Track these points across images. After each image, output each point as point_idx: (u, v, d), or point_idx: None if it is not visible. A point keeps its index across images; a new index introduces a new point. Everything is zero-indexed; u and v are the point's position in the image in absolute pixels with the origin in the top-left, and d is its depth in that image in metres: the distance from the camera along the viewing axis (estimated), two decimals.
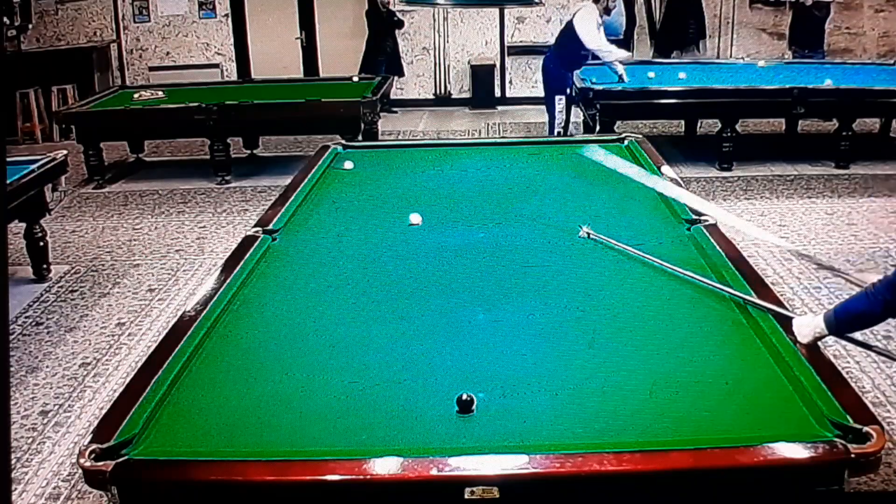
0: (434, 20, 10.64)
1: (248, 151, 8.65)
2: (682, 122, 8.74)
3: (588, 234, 3.40)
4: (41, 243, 5.39)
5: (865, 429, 1.98)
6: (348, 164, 4.70)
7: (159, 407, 2.23)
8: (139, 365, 2.58)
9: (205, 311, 2.77)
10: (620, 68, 7.62)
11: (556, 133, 7.42)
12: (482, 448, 2.00)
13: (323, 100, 7.45)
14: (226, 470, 2.00)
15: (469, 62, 10.75)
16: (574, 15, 7.38)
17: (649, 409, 2.19)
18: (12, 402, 3.77)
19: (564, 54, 7.49)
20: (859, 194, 6.72)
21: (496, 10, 10.42)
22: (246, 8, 10.75)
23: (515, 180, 4.52)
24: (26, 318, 4.84)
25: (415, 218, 3.72)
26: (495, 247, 3.46)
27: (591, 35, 7.23)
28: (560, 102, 7.47)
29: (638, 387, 2.29)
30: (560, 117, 7.52)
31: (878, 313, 2.45)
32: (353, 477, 1.95)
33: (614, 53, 7.54)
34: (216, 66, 10.66)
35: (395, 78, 9.63)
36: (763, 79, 7.70)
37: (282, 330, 2.75)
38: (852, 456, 1.92)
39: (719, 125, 7.53)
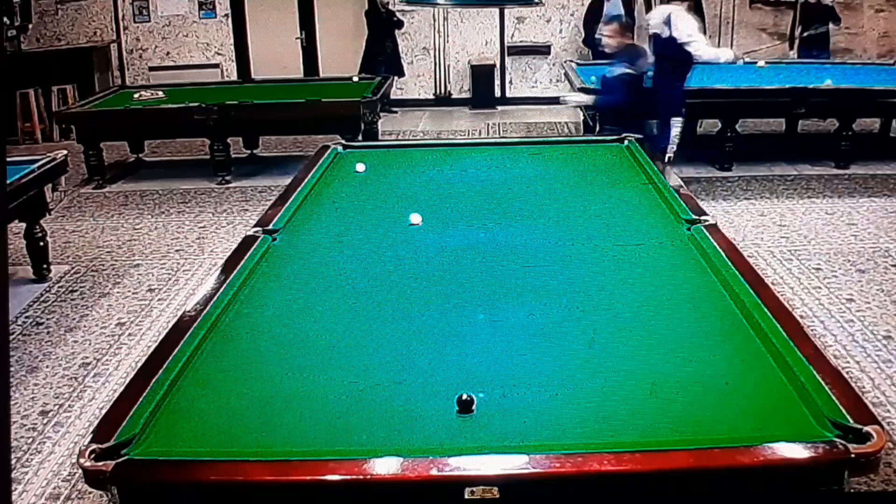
0: (434, 20, 10.64)
1: (248, 151, 8.66)
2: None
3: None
4: (41, 243, 5.39)
5: (865, 429, 1.98)
6: (360, 167, 4.69)
7: (159, 407, 2.23)
8: (139, 365, 2.57)
9: (205, 311, 2.77)
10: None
11: (667, 159, 6.32)
12: (482, 448, 2.00)
13: (323, 100, 7.44)
14: (226, 470, 1.99)
15: (469, 62, 10.75)
16: (668, 21, 6.46)
17: (649, 409, 2.19)
18: (12, 402, 3.77)
19: (671, 67, 6.56)
20: (859, 194, 6.72)
21: (496, 10, 10.42)
22: (246, 8, 10.75)
23: (516, 180, 4.52)
24: (26, 318, 4.84)
25: (415, 218, 3.72)
26: (495, 247, 3.45)
27: (700, 41, 6.46)
28: (676, 126, 6.62)
29: (638, 387, 2.29)
30: (675, 142, 6.62)
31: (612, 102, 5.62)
32: (353, 477, 1.95)
33: (723, 56, 6.76)
34: (216, 66, 10.66)
35: (395, 78, 9.63)
36: (763, 79, 7.69)
37: (282, 330, 2.75)
38: (852, 456, 1.92)
39: (719, 125, 7.53)
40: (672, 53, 6.48)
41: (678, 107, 6.66)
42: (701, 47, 6.47)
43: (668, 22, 6.47)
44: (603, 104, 6.31)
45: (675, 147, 6.63)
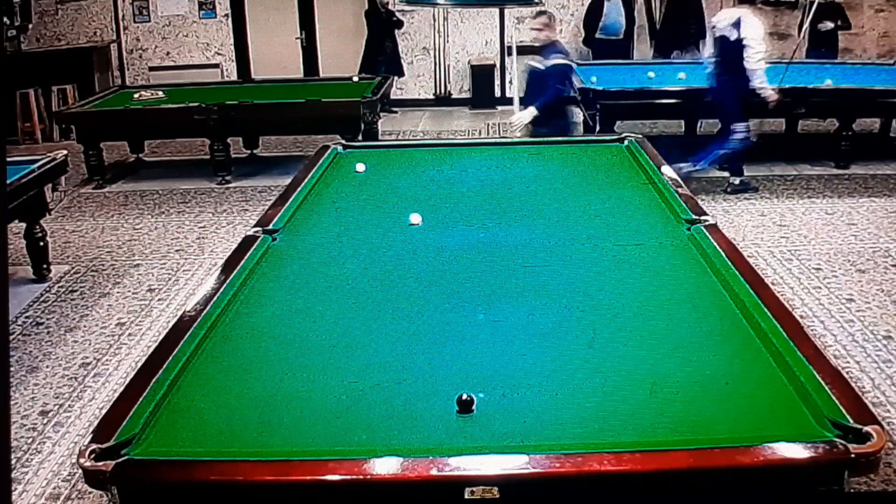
0: (434, 20, 10.64)
1: (248, 151, 8.66)
2: (682, 122, 8.74)
3: None
4: (41, 243, 5.39)
5: (865, 429, 1.98)
6: (360, 167, 4.69)
7: (159, 407, 2.23)
8: (139, 365, 2.58)
9: (205, 311, 2.77)
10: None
11: (688, 171, 6.32)
12: (482, 448, 2.00)
13: (323, 100, 7.44)
14: (226, 470, 2.00)
15: (469, 62, 10.74)
16: (738, 24, 6.40)
17: (649, 409, 2.19)
18: (12, 402, 3.77)
19: (735, 71, 6.46)
20: (859, 194, 6.72)
21: (496, 10, 10.42)
22: (246, 8, 10.75)
23: (516, 180, 4.52)
24: (26, 318, 4.84)
25: (415, 218, 3.72)
26: (495, 247, 3.45)
27: (760, 53, 6.38)
28: (739, 132, 6.55)
29: (638, 387, 2.29)
30: (735, 149, 6.59)
31: (553, 96, 5.79)
32: (353, 477, 1.95)
33: (766, 88, 6.54)
34: (216, 66, 10.66)
35: (395, 78, 9.63)
36: None
37: (282, 330, 2.75)
38: (852, 456, 1.92)
39: (720, 125, 7.52)
40: (738, 57, 6.41)
41: (739, 113, 6.58)
42: (755, 57, 6.38)
43: (737, 25, 6.42)
44: (545, 103, 5.92)
45: (725, 155, 6.61)
